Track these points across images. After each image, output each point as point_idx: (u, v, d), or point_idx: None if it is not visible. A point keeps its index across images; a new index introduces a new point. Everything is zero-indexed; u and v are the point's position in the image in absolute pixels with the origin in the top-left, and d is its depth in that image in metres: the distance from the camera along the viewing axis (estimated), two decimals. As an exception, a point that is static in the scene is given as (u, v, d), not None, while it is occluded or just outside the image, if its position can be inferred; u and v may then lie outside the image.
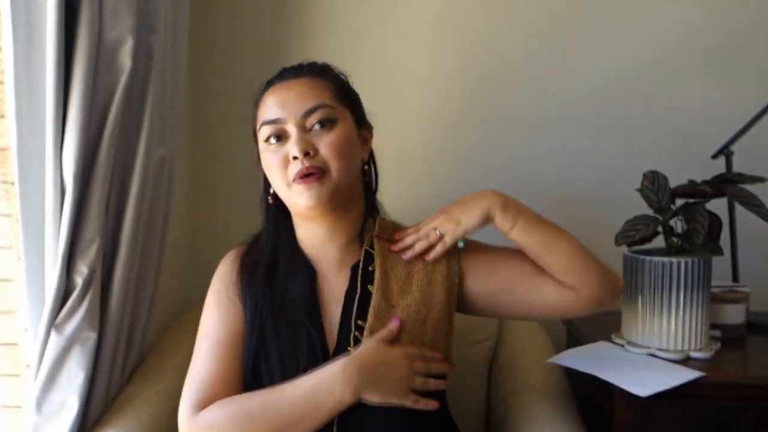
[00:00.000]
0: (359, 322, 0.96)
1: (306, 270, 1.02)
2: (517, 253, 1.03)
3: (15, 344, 1.20)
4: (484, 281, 1.03)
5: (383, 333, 0.95)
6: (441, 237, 1.00)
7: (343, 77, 1.06)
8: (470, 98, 1.61)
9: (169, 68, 1.23)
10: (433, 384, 0.95)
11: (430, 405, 0.94)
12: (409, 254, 1.01)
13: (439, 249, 1.00)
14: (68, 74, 1.02)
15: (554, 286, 1.00)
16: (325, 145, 0.95)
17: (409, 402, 0.92)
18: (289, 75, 1.01)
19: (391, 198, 1.18)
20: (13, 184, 1.11)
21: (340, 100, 1.00)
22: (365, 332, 0.95)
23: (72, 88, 1.02)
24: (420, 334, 0.96)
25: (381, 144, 1.16)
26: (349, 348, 0.95)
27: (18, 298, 1.15)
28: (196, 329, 1.41)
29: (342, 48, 1.61)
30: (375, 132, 1.09)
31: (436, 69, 1.60)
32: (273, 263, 1.03)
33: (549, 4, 1.58)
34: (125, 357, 1.20)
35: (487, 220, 0.99)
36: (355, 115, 1.03)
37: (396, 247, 1.01)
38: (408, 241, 1.01)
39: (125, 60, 1.07)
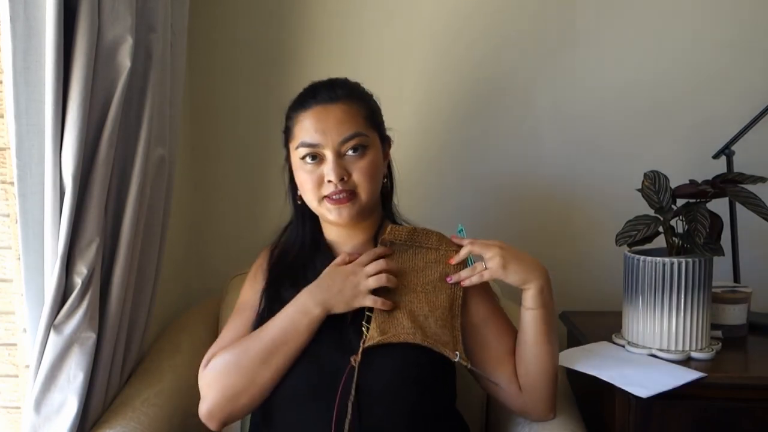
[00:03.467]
0: (367, 312, 1.06)
1: (327, 259, 1.13)
2: (511, 328, 1.13)
3: (14, 344, 1.20)
4: (472, 324, 1.11)
5: (337, 259, 1.09)
6: (484, 268, 1.06)
7: (371, 97, 1.15)
8: (471, 99, 1.60)
9: (168, 68, 1.23)
10: (386, 280, 1.05)
11: (386, 305, 1.04)
12: (454, 279, 1.09)
13: (475, 279, 1.07)
14: (67, 74, 1.01)
15: (511, 374, 1.09)
16: (358, 170, 1.06)
17: (368, 302, 1.04)
18: (324, 98, 1.08)
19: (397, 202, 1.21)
20: (12, 183, 1.11)
21: (371, 125, 1.10)
22: (372, 320, 1.05)
23: (71, 87, 1.01)
24: (423, 327, 1.03)
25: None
26: (364, 332, 1.04)
27: (17, 298, 1.15)
28: (196, 329, 1.42)
29: (342, 48, 1.60)
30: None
31: (439, 69, 1.60)
32: (298, 252, 1.16)
33: (552, 10, 1.57)
34: (124, 357, 1.20)
35: (523, 286, 1.06)
36: (380, 136, 1.13)
37: (450, 279, 1.09)
38: (463, 274, 1.08)
39: (124, 59, 1.07)
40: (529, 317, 1.07)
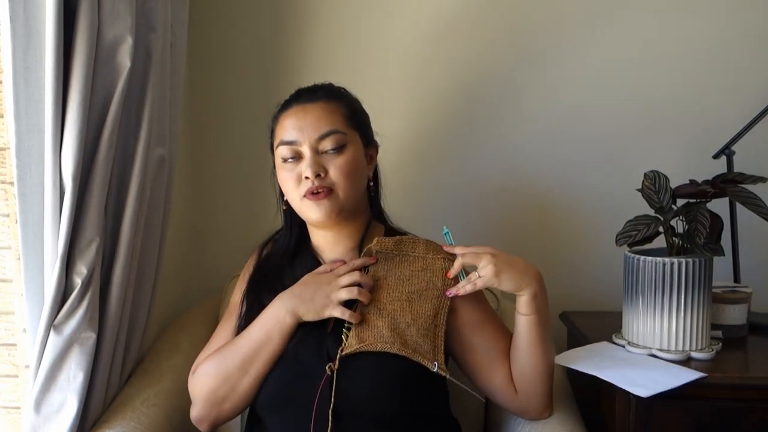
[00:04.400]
0: (347, 321, 1.05)
1: (311, 262, 1.14)
2: (503, 331, 1.12)
3: (14, 345, 1.20)
4: (463, 329, 1.10)
5: (319, 268, 1.10)
6: (477, 277, 1.05)
7: (354, 100, 1.15)
8: (470, 98, 1.60)
9: (168, 68, 1.23)
10: (357, 293, 1.04)
11: (354, 317, 1.03)
12: (453, 292, 1.07)
13: (469, 288, 1.06)
14: (67, 73, 1.01)
15: (506, 377, 1.09)
16: (335, 167, 1.06)
17: (337, 313, 1.03)
18: (305, 98, 1.10)
19: (390, 202, 1.22)
20: (11, 183, 1.11)
21: (351, 125, 1.10)
22: (351, 327, 1.05)
23: (71, 87, 1.01)
24: (404, 336, 1.04)
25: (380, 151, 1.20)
26: (344, 340, 1.03)
27: (17, 298, 1.15)
28: (195, 329, 1.42)
29: (340, 49, 1.60)
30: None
31: (438, 72, 1.60)
32: (287, 259, 1.16)
33: (553, 10, 1.57)
34: (124, 357, 1.20)
35: (517, 292, 1.06)
36: (363, 137, 1.12)
37: (449, 293, 1.08)
38: (459, 286, 1.07)
39: (124, 59, 1.07)
40: (523, 323, 1.06)
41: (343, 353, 1.02)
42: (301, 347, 1.04)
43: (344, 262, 1.10)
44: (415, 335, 1.04)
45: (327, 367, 1.01)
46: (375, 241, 1.11)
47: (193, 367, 1.12)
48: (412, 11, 1.58)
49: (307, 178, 1.05)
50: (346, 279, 1.05)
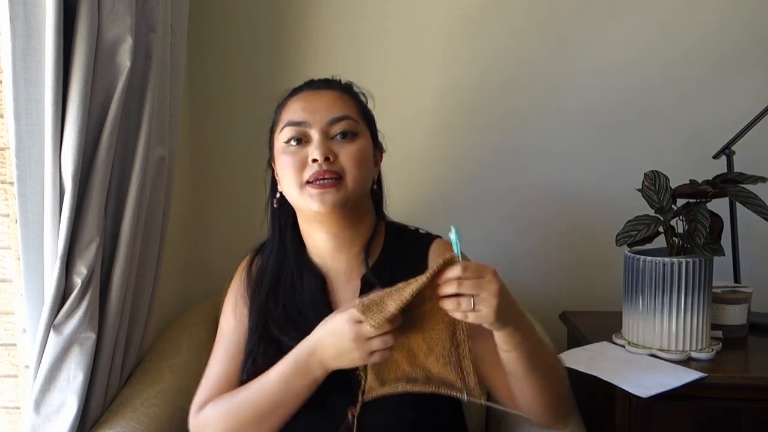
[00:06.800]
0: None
1: (316, 279, 1.04)
2: None
3: (14, 345, 1.20)
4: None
5: (350, 312, 0.90)
6: (472, 308, 0.84)
7: (365, 99, 1.10)
8: (473, 101, 1.60)
9: (168, 68, 1.23)
10: (388, 340, 0.88)
11: (383, 357, 0.89)
12: (459, 316, 0.86)
13: (458, 316, 0.85)
14: (67, 74, 1.01)
15: (508, 390, 0.96)
16: (346, 153, 0.98)
17: (374, 359, 0.88)
18: (318, 85, 1.05)
19: (394, 201, 1.19)
20: (11, 183, 1.11)
21: (363, 118, 1.04)
22: (369, 367, 0.93)
23: (71, 87, 1.01)
24: (425, 367, 0.92)
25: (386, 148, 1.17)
26: (362, 383, 0.94)
27: (17, 298, 1.15)
28: (195, 330, 1.41)
29: (341, 48, 1.60)
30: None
31: (440, 73, 1.60)
32: (280, 273, 1.05)
33: (553, 10, 1.57)
34: (124, 357, 1.20)
35: (496, 331, 0.88)
36: (372, 135, 1.07)
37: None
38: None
39: (124, 59, 1.07)
40: (510, 359, 0.90)
41: (366, 398, 0.92)
42: (326, 391, 0.95)
43: (381, 288, 0.89)
44: (436, 365, 0.91)
45: (349, 413, 0.93)
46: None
47: (195, 406, 1.00)
48: (415, 11, 1.59)
49: (314, 161, 0.95)
50: (379, 343, 0.88)
